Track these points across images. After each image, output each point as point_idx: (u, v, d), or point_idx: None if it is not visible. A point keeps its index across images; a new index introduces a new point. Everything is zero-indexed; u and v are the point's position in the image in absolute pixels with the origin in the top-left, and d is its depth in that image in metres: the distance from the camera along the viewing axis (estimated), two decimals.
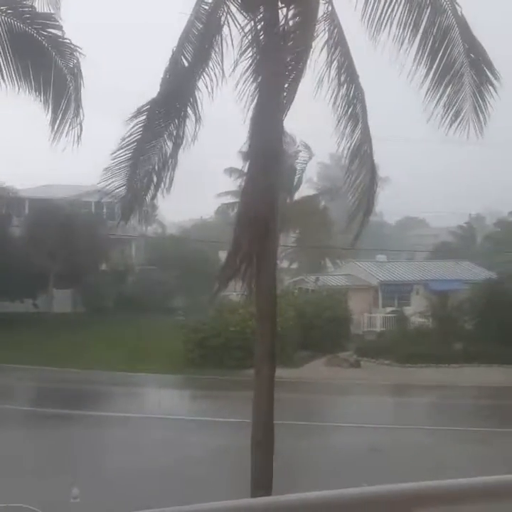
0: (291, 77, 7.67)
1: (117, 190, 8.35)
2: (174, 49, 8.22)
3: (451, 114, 8.01)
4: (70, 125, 8.12)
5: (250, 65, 8.08)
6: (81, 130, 8.10)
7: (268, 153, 7.99)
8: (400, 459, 14.88)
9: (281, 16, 8.05)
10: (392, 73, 7.96)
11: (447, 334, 27.96)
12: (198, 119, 8.35)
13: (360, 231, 9.41)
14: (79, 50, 8.05)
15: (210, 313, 27.19)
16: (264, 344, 8.83)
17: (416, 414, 19.81)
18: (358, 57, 8.60)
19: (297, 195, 34.86)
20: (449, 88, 7.97)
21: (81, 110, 8.17)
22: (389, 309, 33.18)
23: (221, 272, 8.76)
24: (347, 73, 8.46)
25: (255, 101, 7.93)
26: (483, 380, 23.51)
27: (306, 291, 33.36)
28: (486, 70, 7.93)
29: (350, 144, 8.76)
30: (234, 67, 8.22)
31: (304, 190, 36.58)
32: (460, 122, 8.01)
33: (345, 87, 8.40)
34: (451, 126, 8.05)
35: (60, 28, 7.96)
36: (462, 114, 7.98)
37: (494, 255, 37.14)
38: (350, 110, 8.63)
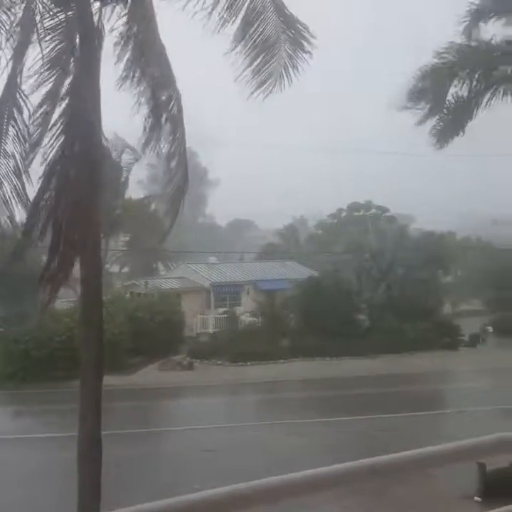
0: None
1: None
2: None
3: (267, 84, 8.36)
4: None
5: (62, 59, 7.65)
6: None
7: (85, 151, 7.61)
8: (232, 457, 15.18)
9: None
10: (223, 78, 8.13)
11: (275, 331, 29.25)
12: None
13: (169, 230, 9.40)
14: None
15: (32, 322, 25.47)
16: (90, 352, 8.40)
17: (245, 411, 20.38)
18: (185, 64, 8.65)
19: (127, 198, 34.10)
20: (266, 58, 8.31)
21: None
22: (221, 310, 33.82)
23: (42, 280, 8.15)
24: (163, 74, 8.40)
25: (67, 96, 7.52)
26: (307, 373, 24.95)
27: (138, 295, 32.74)
28: (302, 32, 8.36)
29: (168, 146, 8.75)
30: (48, 64, 7.74)
31: (134, 193, 35.94)
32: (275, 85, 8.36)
33: (160, 87, 8.35)
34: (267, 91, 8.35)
35: None
36: (275, 79, 8.35)
37: (316, 255, 39.57)
38: (167, 111, 8.61)
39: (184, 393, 23.10)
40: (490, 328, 33.46)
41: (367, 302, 32.76)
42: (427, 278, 33.05)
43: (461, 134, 11.87)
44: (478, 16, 11.66)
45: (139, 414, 19.65)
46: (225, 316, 32.42)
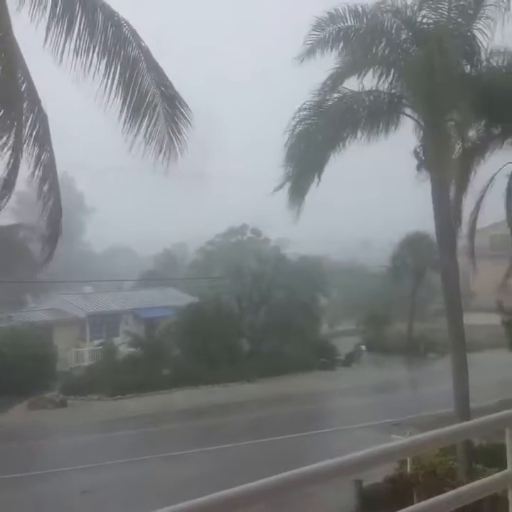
0: None
1: None
2: None
3: (154, 145, 8.10)
4: None
5: None
6: None
7: None
8: (110, 496, 14.56)
9: None
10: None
11: (156, 361, 28.55)
12: None
13: (49, 258, 8.94)
14: None
15: None
16: None
17: (121, 447, 19.48)
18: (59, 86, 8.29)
19: None
20: (146, 119, 8.06)
21: None
22: (97, 342, 32.51)
23: None
24: (27, 95, 8.01)
25: None
26: (188, 402, 24.47)
27: (2, 330, 30.50)
28: (177, 102, 8.24)
29: (36, 169, 8.34)
30: None
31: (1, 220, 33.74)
32: (164, 153, 8.10)
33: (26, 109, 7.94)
34: (158, 157, 8.12)
35: None
36: (164, 145, 8.11)
37: (197, 281, 39.38)
38: (33, 133, 8.19)
39: (56, 433, 21.66)
40: (363, 347, 35.03)
41: (248, 326, 33.06)
42: (305, 300, 34.03)
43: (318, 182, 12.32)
44: (341, 73, 12.32)
45: (7, 457, 18.16)
46: (102, 347, 31.19)
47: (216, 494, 1.98)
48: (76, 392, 26.06)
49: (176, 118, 8.20)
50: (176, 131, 8.19)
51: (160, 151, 8.11)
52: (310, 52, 12.21)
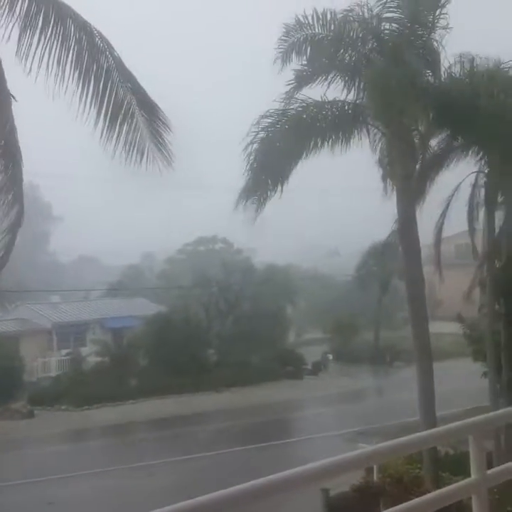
0: None
1: None
2: None
3: (135, 153, 8.03)
4: None
5: None
6: None
7: None
8: (76, 508, 14.39)
9: None
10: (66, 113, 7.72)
11: (123, 371, 28.29)
12: None
13: (2, 265, 8.79)
14: None
15: None
16: None
17: (89, 458, 19.27)
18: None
19: None
20: (125, 126, 8.03)
21: None
22: (64, 351, 32.06)
23: None
24: None
25: None
26: (158, 412, 24.29)
27: None
28: (155, 109, 8.25)
29: (4, 177, 8.29)
30: None
31: None
32: (147, 160, 8.05)
33: None
34: (140, 163, 8.06)
35: None
36: (146, 152, 8.06)
37: (166, 291, 39.11)
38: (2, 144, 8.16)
39: (22, 443, 21.32)
40: (330, 356, 35.18)
41: (216, 336, 32.98)
42: (273, 309, 34.08)
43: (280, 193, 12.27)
44: (301, 79, 12.35)
45: None
46: (69, 357, 30.76)
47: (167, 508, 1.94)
48: (43, 402, 25.66)
49: (155, 125, 8.21)
50: (158, 137, 8.20)
51: (142, 157, 8.10)
52: (284, 58, 12.16)
